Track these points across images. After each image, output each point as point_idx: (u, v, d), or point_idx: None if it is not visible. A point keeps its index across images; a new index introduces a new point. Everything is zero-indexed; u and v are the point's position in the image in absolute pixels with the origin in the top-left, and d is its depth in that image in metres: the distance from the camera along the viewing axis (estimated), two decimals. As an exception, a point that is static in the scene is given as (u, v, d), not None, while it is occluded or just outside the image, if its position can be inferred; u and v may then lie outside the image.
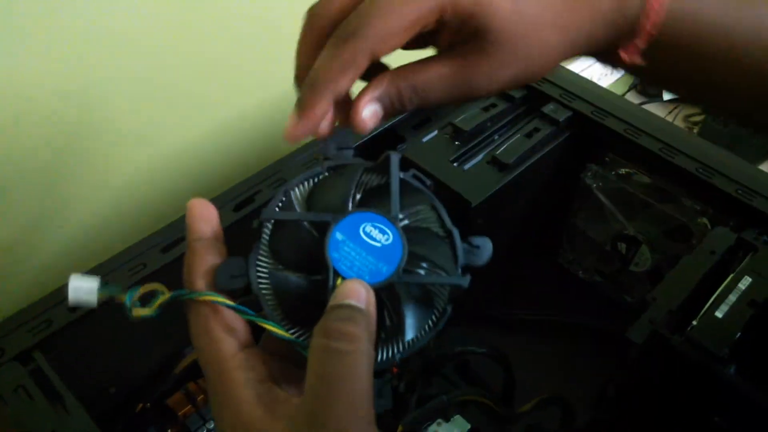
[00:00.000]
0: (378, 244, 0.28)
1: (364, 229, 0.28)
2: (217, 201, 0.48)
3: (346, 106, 0.30)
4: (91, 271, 0.43)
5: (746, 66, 0.33)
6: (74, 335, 0.41)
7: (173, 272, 0.45)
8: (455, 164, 0.54)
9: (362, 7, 0.29)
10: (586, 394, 0.54)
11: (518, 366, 0.55)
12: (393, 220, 0.29)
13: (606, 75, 1.44)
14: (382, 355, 0.28)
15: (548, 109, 0.58)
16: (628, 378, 0.47)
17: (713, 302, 0.43)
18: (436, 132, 0.57)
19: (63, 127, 0.52)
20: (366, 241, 0.28)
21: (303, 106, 0.29)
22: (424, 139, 0.56)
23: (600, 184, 0.59)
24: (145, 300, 0.27)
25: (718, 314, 0.42)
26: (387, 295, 0.28)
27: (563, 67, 0.63)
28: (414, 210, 0.30)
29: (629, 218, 0.58)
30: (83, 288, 0.27)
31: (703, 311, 0.43)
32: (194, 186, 0.68)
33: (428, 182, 0.31)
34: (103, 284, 0.27)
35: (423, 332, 0.29)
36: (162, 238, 0.45)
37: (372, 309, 0.27)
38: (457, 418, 0.42)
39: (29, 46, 0.47)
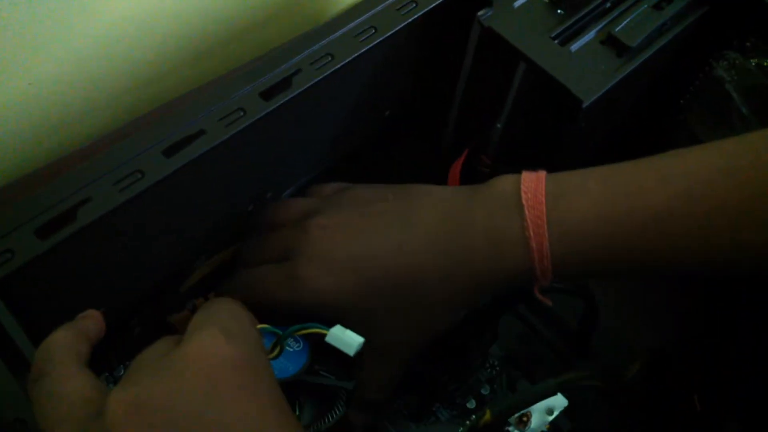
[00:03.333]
0: (290, 349, 0.35)
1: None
2: (238, 82, 0.34)
3: None
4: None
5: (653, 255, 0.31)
6: (47, 267, 0.30)
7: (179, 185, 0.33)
8: (557, 42, 0.40)
9: None
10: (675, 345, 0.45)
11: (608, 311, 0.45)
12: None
13: None
14: None
15: (684, -29, 0.43)
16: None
17: None
18: (531, -6, 0.42)
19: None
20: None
21: None
22: (516, 4, 0.41)
23: (735, 77, 0.45)
24: None
25: None
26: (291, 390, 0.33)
27: None
28: None
29: (766, 125, 0.45)
30: None
31: None
32: (202, 50, 0.54)
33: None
34: None
35: (322, 424, 0.34)
36: (161, 134, 0.32)
37: None
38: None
39: None
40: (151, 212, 0.32)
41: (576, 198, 0.31)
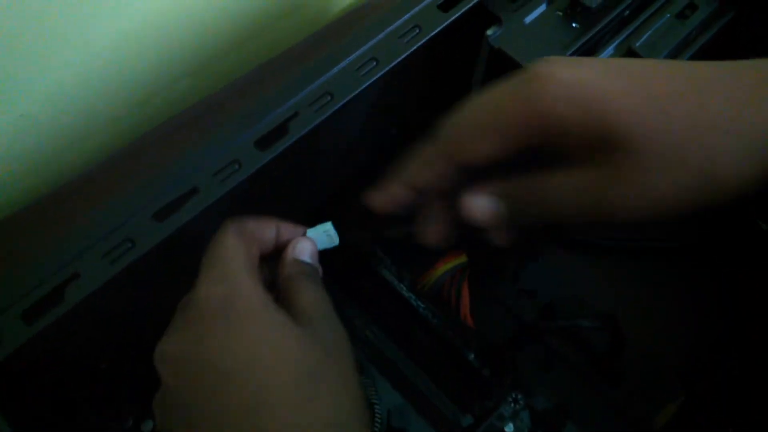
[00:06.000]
0: None
1: None
2: (233, 129, 0.32)
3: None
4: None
5: None
6: (35, 347, 0.28)
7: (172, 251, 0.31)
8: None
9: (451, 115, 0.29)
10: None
11: (628, 320, 0.43)
12: None
13: None
14: None
15: (710, -26, 0.39)
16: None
17: None
18: (544, 7, 0.39)
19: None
20: None
21: (381, 185, 0.31)
22: (527, 19, 0.38)
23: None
24: None
25: None
26: None
27: None
28: None
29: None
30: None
31: None
32: (200, 61, 0.52)
33: None
34: None
35: None
36: (151, 193, 0.30)
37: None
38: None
39: None
40: (144, 282, 0.30)
41: None
